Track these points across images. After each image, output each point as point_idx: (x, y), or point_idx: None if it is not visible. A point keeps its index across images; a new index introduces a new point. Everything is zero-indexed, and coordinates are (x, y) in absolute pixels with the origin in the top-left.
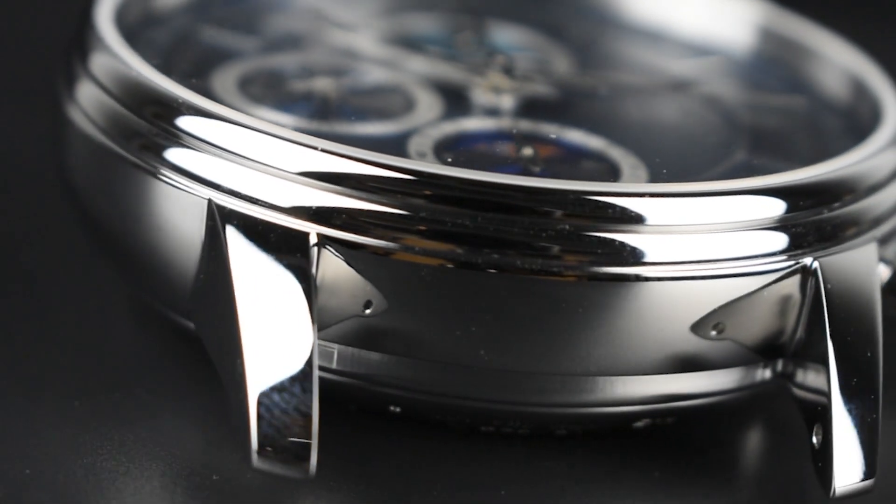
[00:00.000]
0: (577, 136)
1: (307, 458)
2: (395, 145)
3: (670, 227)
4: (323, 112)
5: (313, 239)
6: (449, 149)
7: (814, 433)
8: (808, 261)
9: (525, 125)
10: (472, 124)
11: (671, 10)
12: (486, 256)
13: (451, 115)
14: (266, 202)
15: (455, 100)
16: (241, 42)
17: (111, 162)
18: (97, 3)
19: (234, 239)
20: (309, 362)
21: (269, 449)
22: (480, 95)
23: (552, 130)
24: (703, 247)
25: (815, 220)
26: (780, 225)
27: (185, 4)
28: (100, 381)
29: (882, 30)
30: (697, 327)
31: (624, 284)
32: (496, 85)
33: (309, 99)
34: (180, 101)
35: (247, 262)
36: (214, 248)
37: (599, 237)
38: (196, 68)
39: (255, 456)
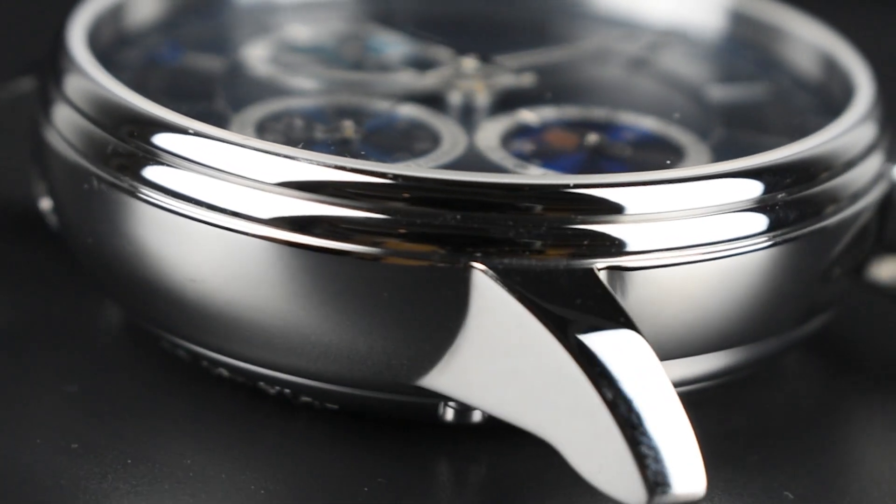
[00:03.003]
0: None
1: (699, 478)
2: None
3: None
4: (350, 154)
5: (599, 266)
6: (520, 151)
7: None
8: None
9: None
10: (518, 121)
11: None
12: None
13: (469, 126)
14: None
15: (441, 107)
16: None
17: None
18: (69, 25)
19: (525, 296)
20: (667, 386)
21: (662, 483)
22: (457, 97)
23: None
24: (818, 199)
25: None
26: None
27: (157, 24)
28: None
29: (848, 7)
30: (825, 274)
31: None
32: (474, 83)
33: (324, 141)
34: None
35: (555, 316)
36: (493, 312)
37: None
38: (172, 88)
39: (649, 496)
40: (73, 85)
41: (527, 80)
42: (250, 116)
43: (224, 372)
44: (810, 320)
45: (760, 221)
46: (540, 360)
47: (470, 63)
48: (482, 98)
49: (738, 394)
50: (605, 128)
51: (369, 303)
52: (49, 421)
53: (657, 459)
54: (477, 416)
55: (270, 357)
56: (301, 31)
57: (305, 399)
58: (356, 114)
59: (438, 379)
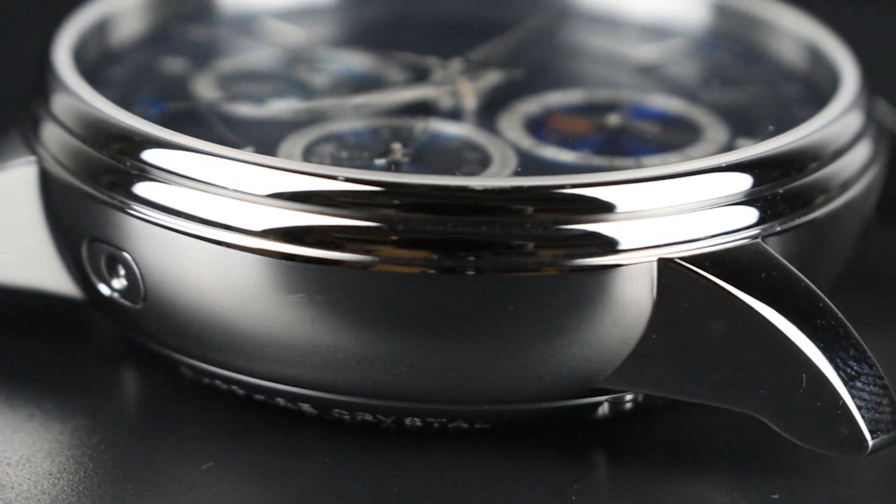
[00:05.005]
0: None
1: None
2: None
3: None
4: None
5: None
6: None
7: None
8: None
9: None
10: (522, 115)
11: None
12: None
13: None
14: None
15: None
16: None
17: None
18: (55, 44)
19: (718, 279)
20: (857, 338)
21: (878, 429)
22: (448, 101)
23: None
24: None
25: None
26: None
27: (142, 40)
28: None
29: None
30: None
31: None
32: (462, 86)
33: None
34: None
35: (752, 293)
36: (683, 300)
37: None
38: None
39: (870, 443)
40: (60, 104)
41: (517, 74)
42: (291, 149)
43: (367, 416)
44: None
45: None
46: (742, 336)
47: (457, 66)
48: (470, 100)
49: None
50: (611, 108)
51: (554, 313)
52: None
53: (869, 408)
54: (628, 406)
55: (429, 390)
56: (227, 63)
57: (457, 425)
58: (389, 134)
59: (623, 376)
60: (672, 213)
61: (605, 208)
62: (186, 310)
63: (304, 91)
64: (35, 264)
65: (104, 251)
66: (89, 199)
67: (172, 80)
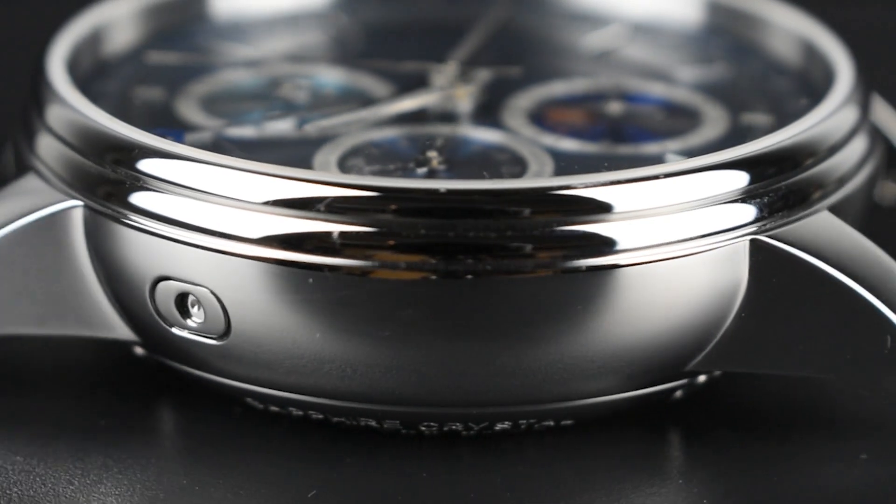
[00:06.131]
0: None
1: None
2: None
3: None
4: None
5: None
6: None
7: None
8: None
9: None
10: (521, 111)
11: None
12: None
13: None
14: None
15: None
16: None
17: None
18: (49, 55)
19: (804, 254)
20: None
21: None
22: (445, 103)
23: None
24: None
25: None
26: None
27: (136, 50)
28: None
29: None
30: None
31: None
32: (457, 90)
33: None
34: None
35: (835, 263)
36: (773, 276)
37: None
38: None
39: None
40: (55, 115)
41: (514, 72)
42: (327, 159)
43: (456, 425)
44: None
45: (818, 187)
46: (826, 305)
47: (452, 69)
48: (465, 102)
49: None
50: (602, 97)
51: (656, 302)
52: None
53: None
54: (700, 385)
55: (524, 392)
56: (203, 87)
57: (545, 424)
58: (418, 143)
59: (713, 358)
60: (757, 195)
61: (697, 194)
62: (276, 339)
63: (292, 108)
64: (69, 310)
65: (174, 290)
66: (159, 239)
67: (155, 108)
